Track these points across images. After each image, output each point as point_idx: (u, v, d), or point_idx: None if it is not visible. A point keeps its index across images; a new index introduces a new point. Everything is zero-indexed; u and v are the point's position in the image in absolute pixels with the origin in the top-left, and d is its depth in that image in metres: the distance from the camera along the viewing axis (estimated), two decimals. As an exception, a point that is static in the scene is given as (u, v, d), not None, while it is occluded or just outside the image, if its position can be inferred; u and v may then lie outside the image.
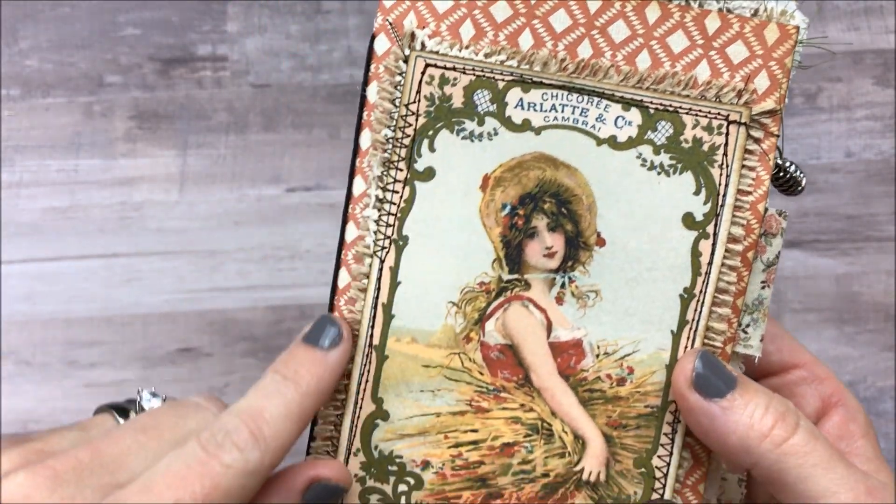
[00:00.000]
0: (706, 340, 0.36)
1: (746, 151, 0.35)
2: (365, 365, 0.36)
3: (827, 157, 0.57)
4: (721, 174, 0.35)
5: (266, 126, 0.57)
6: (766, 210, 0.36)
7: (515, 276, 0.36)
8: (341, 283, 0.36)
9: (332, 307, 0.37)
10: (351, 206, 0.36)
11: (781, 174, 0.37)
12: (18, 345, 0.58)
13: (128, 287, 0.58)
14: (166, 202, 0.57)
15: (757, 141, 0.36)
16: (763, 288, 0.37)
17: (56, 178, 0.58)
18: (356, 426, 0.36)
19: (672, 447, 0.36)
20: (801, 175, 0.37)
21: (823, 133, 0.57)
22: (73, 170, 0.58)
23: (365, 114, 0.36)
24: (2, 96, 0.58)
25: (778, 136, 0.36)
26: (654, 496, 0.36)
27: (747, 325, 0.37)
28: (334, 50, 0.57)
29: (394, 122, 0.36)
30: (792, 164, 0.37)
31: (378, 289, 0.36)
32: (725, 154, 0.35)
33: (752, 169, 0.36)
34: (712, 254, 0.36)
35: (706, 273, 0.36)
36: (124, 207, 0.58)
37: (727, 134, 0.35)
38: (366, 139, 0.36)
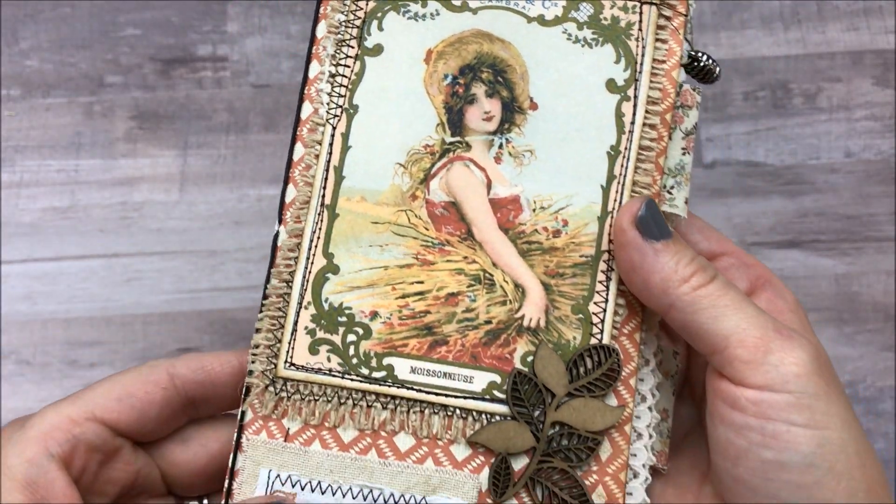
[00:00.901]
0: (633, 194, 0.39)
1: (658, 27, 0.40)
2: (317, 223, 0.39)
3: (826, 157, 0.57)
4: (638, 45, 0.40)
5: (266, 126, 0.59)
6: (681, 85, 0.40)
7: (457, 138, 0.40)
8: (296, 156, 0.40)
9: (287, 179, 0.40)
10: (306, 87, 0.41)
11: (695, 63, 0.41)
12: (18, 345, 0.57)
13: (128, 287, 0.58)
14: (166, 202, 0.58)
15: (668, 19, 0.40)
16: (684, 154, 0.40)
17: (56, 178, 0.58)
18: (307, 280, 0.39)
19: (607, 294, 0.38)
20: (715, 64, 0.41)
21: (823, 133, 0.57)
22: (73, 170, 0.58)
23: (321, 9, 0.41)
24: (2, 96, 0.58)
25: (686, 15, 0.40)
26: (593, 341, 0.38)
27: (671, 188, 0.40)
28: (334, 50, 0.61)
29: (346, 8, 0.41)
30: (705, 54, 0.41)
31: (330, 153, 0.40)
32: (640, 29, 0.40)
33: (664, 42, 0.40)
34: (634, 114, 0.39)
35: (629, 132, 0.39)
36: (124, 207, 0.58)
37: (641, 13, 0.40)
38: (321, 28, 0.41)
